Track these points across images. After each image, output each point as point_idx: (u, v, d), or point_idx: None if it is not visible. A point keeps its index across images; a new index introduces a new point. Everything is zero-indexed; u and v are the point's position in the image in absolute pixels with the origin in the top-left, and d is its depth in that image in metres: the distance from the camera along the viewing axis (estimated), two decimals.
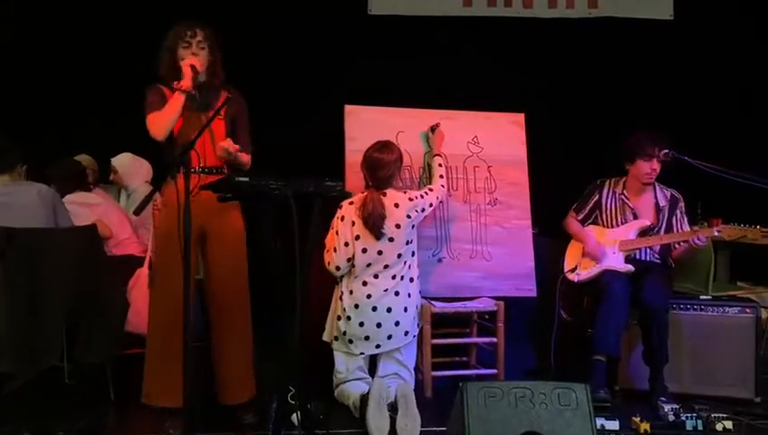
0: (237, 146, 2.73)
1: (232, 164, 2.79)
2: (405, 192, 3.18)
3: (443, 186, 3.35)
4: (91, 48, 4.58)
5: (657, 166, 3.39)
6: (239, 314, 2.86)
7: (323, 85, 4.59)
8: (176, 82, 2.68)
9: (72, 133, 4.52)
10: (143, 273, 3.46)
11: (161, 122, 2.65)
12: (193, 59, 2.72)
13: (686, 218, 3.50)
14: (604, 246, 3.42)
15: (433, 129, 3.53)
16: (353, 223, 3.09)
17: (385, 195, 3.10)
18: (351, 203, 3.13)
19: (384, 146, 3.17)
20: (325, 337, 3.18)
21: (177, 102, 2.66)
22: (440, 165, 3.41)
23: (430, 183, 3.40)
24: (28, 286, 2.86)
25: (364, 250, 3.06)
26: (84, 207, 3.60)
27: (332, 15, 4.75)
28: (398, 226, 3.07)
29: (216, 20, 2.89)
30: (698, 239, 3.19)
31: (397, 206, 3.09)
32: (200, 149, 2.70)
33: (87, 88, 4.55)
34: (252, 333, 2.91)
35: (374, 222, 3.03)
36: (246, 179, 2.37)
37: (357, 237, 3.07)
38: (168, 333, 2.60)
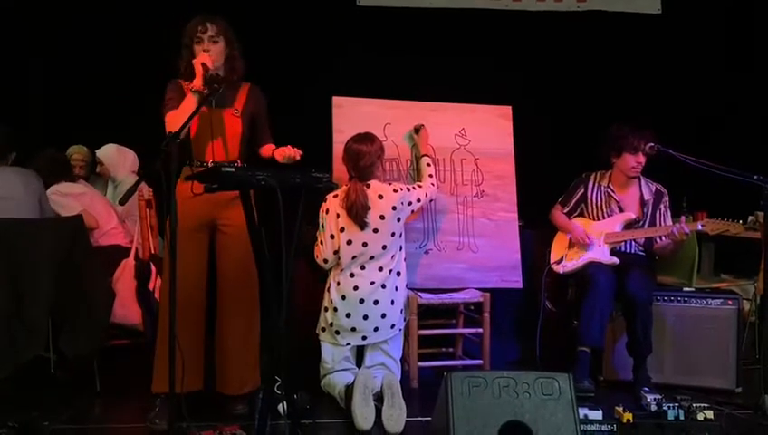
0: (300, 151, 2.75)
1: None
2: (390, 184, 3.18)
3: (433, 184, 3.34)
4: (90, 46, 4.54)
5: (642, 159, 3.41)
6: (247, 303, 2.85)
7: (311, 77, 4.58)
8: (187, 83, 2.69)
9: (64, 125, 4.50)
10: (129, 264, 3.45)
11: (176, 122, 2.59)
12: (204, 56, 2.70)
13: (669, 213, 3.53)
14: (591, 234, 3.45)
15: (417, 129, 3.52)
16: (338, 215, 3.09)
17: (368, 186, 3.10)
18: (336, 196, 3.13)
19: (364, 136, 3.17)
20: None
21: (189, 103, 2.65)
22: (428, 164, 3.40)
23: (419, 180, 3.40)
24: (11, 277, 2.84)
25: (349, 242, 3.07)
26: (69, 198, 3.58)
27: (320, 7, 4.73)
28: (382, 217, 3.07)
29: (202, 13, 2.87)
30: (677, 230, 3.21)
31: (381, 197, 3.09)
32: (213, 144, 2.74)
33: (82, 82, 4.52)
34: (259, 324, 2.89)
35: (357, 212, 3.03)
36: (232, 170, 2.37)
37: (342, 229, 3.08)
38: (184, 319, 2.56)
